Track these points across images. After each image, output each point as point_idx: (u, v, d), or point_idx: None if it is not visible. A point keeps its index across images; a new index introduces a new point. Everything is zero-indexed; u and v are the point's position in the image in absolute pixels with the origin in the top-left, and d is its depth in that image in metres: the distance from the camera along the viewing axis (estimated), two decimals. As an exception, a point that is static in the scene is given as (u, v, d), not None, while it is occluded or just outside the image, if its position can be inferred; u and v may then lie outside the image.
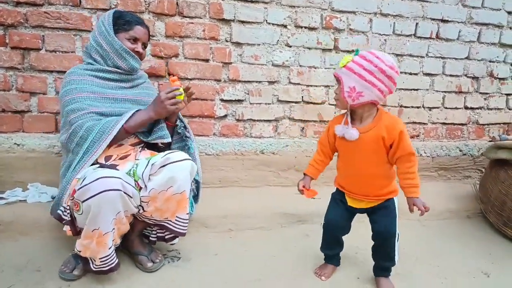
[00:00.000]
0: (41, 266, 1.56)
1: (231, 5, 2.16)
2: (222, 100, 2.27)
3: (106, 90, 1.60)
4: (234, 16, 2.18)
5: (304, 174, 1.59)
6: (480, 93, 2.71)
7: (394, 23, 2.44)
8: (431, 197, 2.39)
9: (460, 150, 2.72)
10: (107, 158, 1.55)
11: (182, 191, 1.48)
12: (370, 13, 2.38)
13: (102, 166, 1.51)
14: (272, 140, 2.38)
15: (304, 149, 2.42)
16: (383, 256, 1.52)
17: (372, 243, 1.54)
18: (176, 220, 1.53)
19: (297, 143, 2.42)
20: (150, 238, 1.67)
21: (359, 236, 1.62)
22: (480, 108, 2.74)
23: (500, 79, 2.72)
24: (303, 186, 1.56)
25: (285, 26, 2.27)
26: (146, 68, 2.09)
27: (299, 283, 1.56)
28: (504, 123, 2.81)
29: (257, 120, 2.35)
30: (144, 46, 1.71)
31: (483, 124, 2.77)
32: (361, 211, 1.53)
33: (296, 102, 2.39)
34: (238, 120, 2.32)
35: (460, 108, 2.70)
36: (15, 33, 1.95)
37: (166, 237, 1.61)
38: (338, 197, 1.56)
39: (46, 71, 2.02)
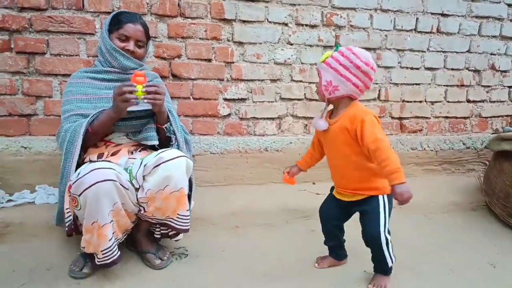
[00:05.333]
0: (52, 266, 1.59)
1: (232, 5, 2.18)
2: (225, 99, 2.29)
3: (101, 91, 1.62)
4: (236, 16, 2.20)
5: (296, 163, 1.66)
6: (482, 86, 2.72)
7: (394, 18, 2.45)
8: (435, 190, 2.43)
9: (464, 144, 2.73)
10: (100, 156, 1.57)
11: (179, 188, 1.49)
12: (370, 9, 2.40)
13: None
14: (276, 138, 2.40)
15: (308, 146, 2.39)
16: (374, 258, 1.49)
17: None
18: (177, 217, 1.54)
19: (300, 140, 2.44)
20: (155, 235, 1.68)
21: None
22: (483, 101, 2.74)
23: (501, 71, 2.73)
24: (287, 172, 1.63)
25: (286, 25, 2.29)
26: (150, 69, 2.11)
27: (306, 277, 1.57)
28: (507, 115, 2.82)
29: (261, 118, 2.37)
30: (139, 44, 1.66)
31: (486, 117, 2.77)
32: (349, 205, 1.51)
33: (298, 100, 2.41)
34: (241, 118, 2.33)
35: (462, 102, 2.71)
36: (20, 38, 1.97)
37: (170, 233, 1.63)
38: (332, 190, 1.61)
39: (51, 74, 2.04)
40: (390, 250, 1.43)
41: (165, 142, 1.69)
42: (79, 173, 1.38)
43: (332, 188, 1.61)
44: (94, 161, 1.52)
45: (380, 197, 1.42)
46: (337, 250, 1.64)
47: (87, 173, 1.35)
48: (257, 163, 2.37)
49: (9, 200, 1.93)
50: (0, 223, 1.76)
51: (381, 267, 1.49)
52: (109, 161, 1.51)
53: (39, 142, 2.06)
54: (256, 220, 2.03)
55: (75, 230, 1.51)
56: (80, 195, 1.35)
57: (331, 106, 1.49)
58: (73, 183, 1.37)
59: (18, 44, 1.98)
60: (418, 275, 1.62)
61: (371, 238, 1.42)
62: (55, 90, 2.07)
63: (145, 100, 1.47)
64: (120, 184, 1.41)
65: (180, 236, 1.63)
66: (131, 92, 1.43)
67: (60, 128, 1.60)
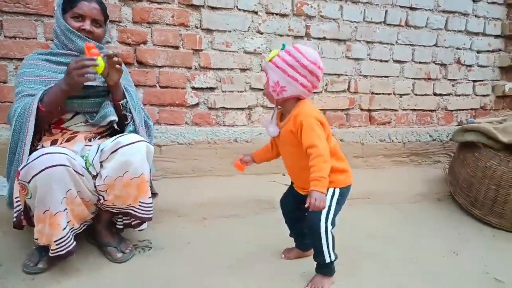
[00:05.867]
0: (3, 261, 1.49)
1: (201, -10, 2.12)
2: (193, 88, 2.22)
3: (55, 74, 1.51)
4: (204, 2, 2.13)
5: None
6: (448, 79, 2.78)
7: (364, 10, 2.46)
8: (403, 181, 2.47)
9: (430, 136, 2.78)
10: (54, 142, 1.48)
11: (140, 174, 1.43)
12: (341, 0, 2.39)
13: None
14: (246, 128, 2.36)
15: (278, 137, 2.41)
16: (313, 249, 1.43)
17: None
18: (139, 205, 1.48)
19: (270, 131, 2.41)
20: (117, 225, 1.61)
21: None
22: (449, 94, 2.81)
23: (466, 65, 2.80)
24: (240, 159, 1.59)
25: (256, 13, 2.25)
26: (113, 55, 2.02)
27: (273, 269, 1.55)
28: (471, 109, 2.90)
29: (230, 108, 2.32)
30: (97, 23, 1.56)
31: (452, 110, 2.84)
32: (303, 197, 1.46)
33: (269, 90, 2.37)
34: (210, 108, 2.28)
35: (429, 95, 2.76)
36: (-30, 19, 1.84)
37: (133, 223, 1.55)
38: (292, 183, 1.59)
39: (6, 58, 1.91)
40: (330, 244, 1.37)
41: (124, 124, 1.60)
42: (28, 159, 1.30)
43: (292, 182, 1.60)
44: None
45: (330, 189, 1.38)
46: (301, 241, 1.62)
47: (36, 158, 1.27)
48: (226, 154, 2.32)
49: (-40, 192, 1.80)
50: None
51: (320, 263, 1.42)
52: (63, 148, 1.42)
53: (-7, 130, 1.94)
54: (224, 211, 1.99)
55: (27, 221, 1.42)
56: (29, 182, 1.27)
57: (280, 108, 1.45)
58: (21, 169, 1.29)
59: (-32, 25, 1.84)
60: (382, 263, 1.63)
61: (311, 225, 1.37)
62: (10, 75, 1.93)
63: (113, 65, 1.40)
64: (74, 170, 1.33)
65: (144, 225, 1.55)
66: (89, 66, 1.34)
67: (10, 110, 1.49)
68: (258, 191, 2.13)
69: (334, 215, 1.39)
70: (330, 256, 1.39)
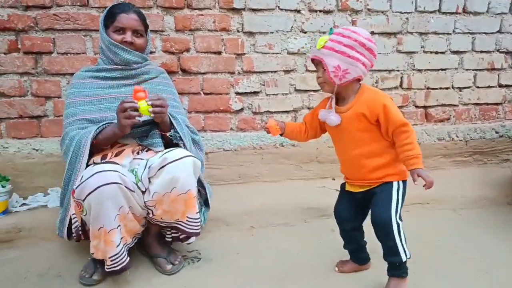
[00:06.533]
0: (62, 272, 1.55)
1: (241, -7, 2.08)
2: (237, 93, 2.19)
3: (104, 91, 1.56)
4: (245, 4, 2.09)
5: None
6: (515, 68, 2.51)
7: (416, -1, 2.28)
8: (466, 183, 2.27)
9: (496, 132, 2.53)
10: (104, 157, 1.51)
11: (187, 190, 1.41)
12: (389, -10, 2.24)
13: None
14: (292, 132, 2.28)
15: (326, 139, 2.30)
16: (385, 250, 1.34)
17: None
18: (187, 220, 1.47)
19: (318, 134, 2.31)
20: (166, 238, 1.62)
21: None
22: (516, 85, 2.53)
23: (536, 52, 2.51)
24: (276, 123, 1.43)
25: (298, 11, 2.16)
26: (158, 65, 2.03)
27: (325, 283, 1.47)
28: (543, 100, 2.60)
29: (275, 112, 2.25)
30: (137, 33, 1.59)
31: (520, 103, 2.57)
32: (364, 198, 1.39)
33: (314, 91, 2.28)
34: (255, 113, 2.23)
35: (493, 87, 2.51)
36: (26, 38, 1.94)
37: (181, 237, 1.55)
38: (343, 186, 1.49)
39: (59, 74, 2.00)
40: (403, 240, 1.29)
41: (172, 146, 1.60)
42: (82, 177, 1.33)
43: (343, 185, 1.49)
44: (98, 163, 1.45)
45: (395, 182, 1.33)
46: (358, 254, 1.51)
47: (90, 176, 1.30)
48: (273, 159, 2.26)
49: (23, 204, 1.91)
50: (12, 228, 1.74)
51: (395, 264, 1.32)
52: (113, 162, 1.45)
53: (50, 143, 2.03)
54: (272, 219, 1.93)
55: (84, 235, 1.47)
56: (84, 200, 1.30)
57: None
58: (77, 187, 1.32)
59: (25, 44, 1.94)
60: (448, 278, 1.48)
61: (381, 223, 1.29)
62: (63, 89, 2.02)
63: (152, 114, 1.41)
64: (125, 187, 1.34)
65: (192, 239, 1.55)
66: (133, 109, 1.38)
67: (64, 134, 1.55)
68: (307, 197, 2.05)
69: (401, 209, 1.32)
70: (405, 254, 1.30)
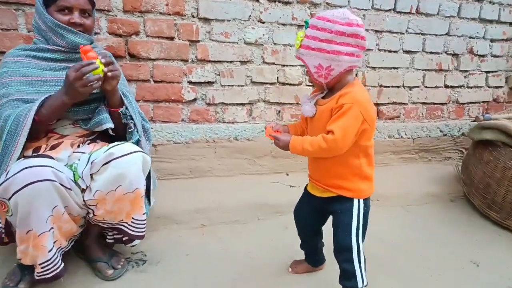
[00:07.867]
0: (-18, 279, 1.35)
1: (197, -24, 1.94)
2: (190, 82, 2.06)
3: (45, 72, 1.35)
4: (201, -12, 1.96)
5: None
6: (460, 70, 2.62)
7: (373, -4, 2.28)
8: (413, 180, 2.34)
9: (441, 131, 2.64)
10: (36, 149, 1.32)
11: (134, 189, 1.29)
12: (348, -14, 2.21)
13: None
14: (247, 125, 2.20)
15: (281, 134, 2.26)
16: (342, 273, 1.25)
17: None
18: (132, 222, 1.35)
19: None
20: (107, 240, 1.47)
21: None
22: (460, 86, 2.65)
23: (479, 55, 2.64)
24: (271, 126, 1.31)
25: (257, 0, 2.07)
26: (103, 47, 1.84)
27: (278, 284, 1.42)
28: (483, 102, 2.75)
29: (230, 104, 2.16)
30: (85, 13, 1.40)
31: (463, 103, 2.70)
32: (323, 204, 1.30)
33: (271, 84, 2.21)
34: (208, 104, 2.12)
35: (440, 87, 2.61)
36: None
37: (124, 239, 1.42)
38: (306, 187, 1.40)
39: (-17, 52, 1.74)
40: (362, 266, 1.21)
41: (120, 129, 1.44)
42: (8, 172, 1.15)
43: (306, 186, 1.42)
44: (28, 157, 1.27)
45: (355, 201, 1.21)
46: (313, 257, 1.48)
47: (18, 172, 1.13)
48: (226, 153, 2.17)
49: None
50: None
51: (346, 285, 1.24)
52: (47, 156, 1.27)
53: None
54: (225, 217, 1.85)
55: (8, 237, 1.28)
56: (9, 199, 1.13)
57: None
58: (1, 184, 1.14)
59: None
60: (395, 274, 1.51)
61: (342, 247, 1.22)
62: (-12, 70, 1.76)
63: (109, 73, 1.27)
64: (61, 184, 1.18)
65: (136, 241, 1.43)
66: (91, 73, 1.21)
67: None
68: (260, 193, 1.99)
69: (364, 231, 1.23)
70: (362, 280, 1.21)
